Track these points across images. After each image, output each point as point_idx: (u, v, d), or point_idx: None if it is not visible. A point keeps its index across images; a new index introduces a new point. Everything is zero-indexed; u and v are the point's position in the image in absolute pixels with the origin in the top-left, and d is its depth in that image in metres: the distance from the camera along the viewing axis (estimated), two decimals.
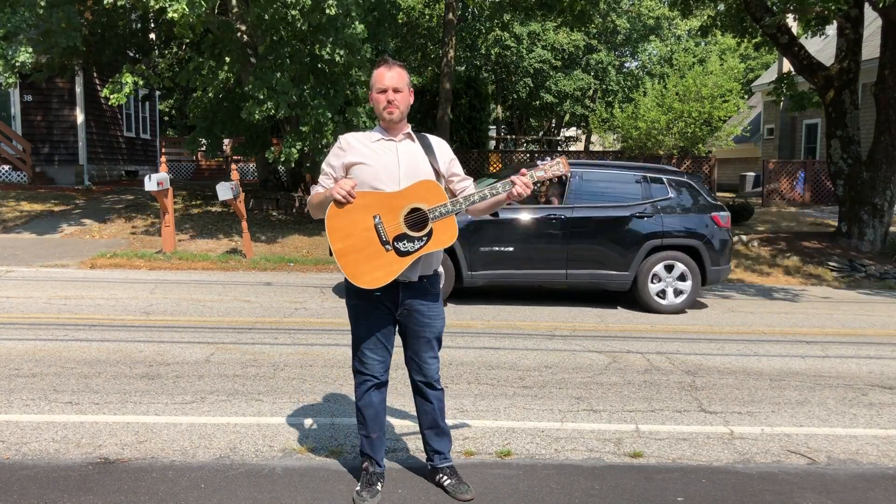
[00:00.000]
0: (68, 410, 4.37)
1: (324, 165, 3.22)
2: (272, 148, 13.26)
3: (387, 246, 3.05)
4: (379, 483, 3.31)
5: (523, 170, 3.17)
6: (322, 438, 4.03)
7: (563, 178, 3.49)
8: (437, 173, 3.17)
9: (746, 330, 7.42)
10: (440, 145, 3.26)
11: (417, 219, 3.05)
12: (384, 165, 3.10)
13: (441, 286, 3.43)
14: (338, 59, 11.41)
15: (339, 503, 3.28)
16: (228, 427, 4.16)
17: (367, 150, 3.13)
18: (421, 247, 3.06)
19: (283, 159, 12.30)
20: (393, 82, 3.09)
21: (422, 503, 3.30)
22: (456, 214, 3.10)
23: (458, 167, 3.28)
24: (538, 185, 3.14)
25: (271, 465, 3.66)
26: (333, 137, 12.06)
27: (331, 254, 3.12)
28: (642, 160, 20.82)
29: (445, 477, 3.38)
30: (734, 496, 3.48)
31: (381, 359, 3.23)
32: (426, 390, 3.31)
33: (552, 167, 3.18)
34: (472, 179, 3.33)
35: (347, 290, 3.22)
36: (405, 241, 3.05)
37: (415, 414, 3.47)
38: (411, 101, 3.20)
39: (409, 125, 3.26)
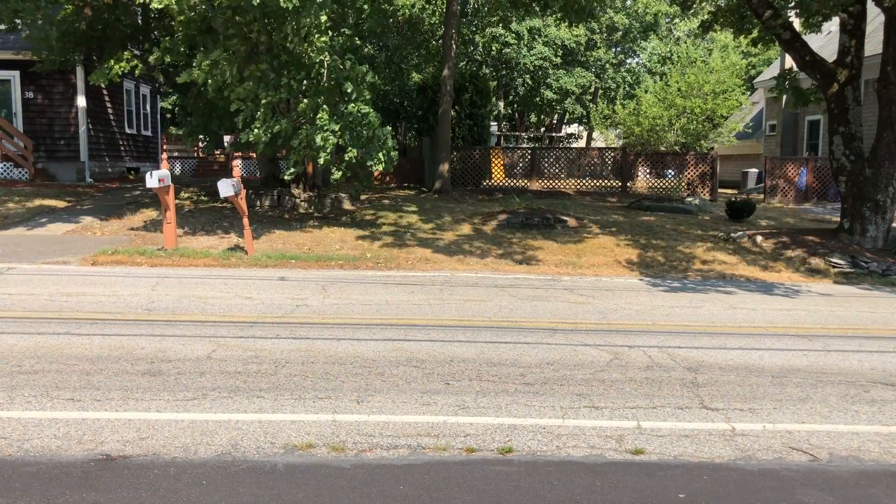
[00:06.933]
0: (70, 407, 4.37)
1: None
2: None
3: None
4: None
5: None
6: (324, 435, 4.03)
7: None
8: None
9: (748, 326, 7.41)
10: None
11: None
12: None
13: None
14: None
15: (341, 499, 3.28)
16: (230, 424, 4.17)
17: None
18: None
19: (291, 169, 12.30)
20: None
21: (422, 500, 3.30)
22: None
23: None
24: None
25: (273, 462, 3.66)
26: (341, 134, 11.97)
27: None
28: (644, 156, 20.80)
29: None
30: (736, 493, 3.48)
31: None
32: None
33: None
34: None
35: None
36: None
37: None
38: None
39: None
